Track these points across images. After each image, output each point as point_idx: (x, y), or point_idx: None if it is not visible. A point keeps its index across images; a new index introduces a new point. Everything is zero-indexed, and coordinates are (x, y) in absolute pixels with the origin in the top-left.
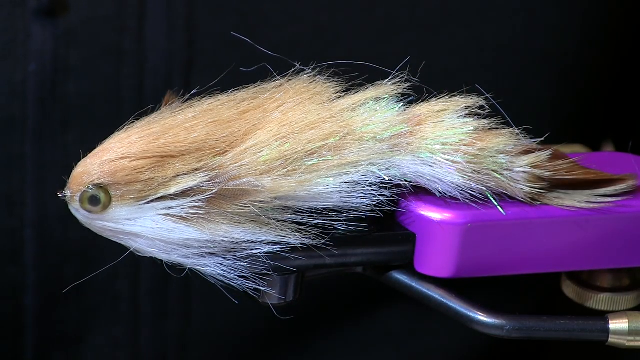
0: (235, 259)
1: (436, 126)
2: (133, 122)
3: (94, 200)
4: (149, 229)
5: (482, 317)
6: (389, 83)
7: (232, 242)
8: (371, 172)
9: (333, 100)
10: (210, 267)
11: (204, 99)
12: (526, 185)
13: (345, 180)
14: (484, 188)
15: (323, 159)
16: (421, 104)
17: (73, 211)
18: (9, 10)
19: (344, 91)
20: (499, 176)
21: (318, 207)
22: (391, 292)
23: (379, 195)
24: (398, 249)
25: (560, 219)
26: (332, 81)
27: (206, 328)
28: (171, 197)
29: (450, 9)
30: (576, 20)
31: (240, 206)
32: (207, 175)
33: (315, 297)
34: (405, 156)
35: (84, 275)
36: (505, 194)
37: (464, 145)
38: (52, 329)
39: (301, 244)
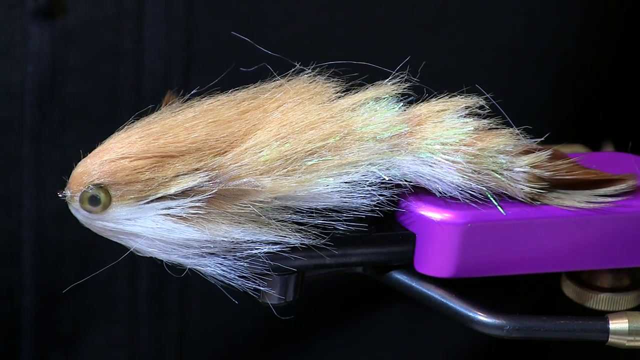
0: (235, 259)
1: (436, 126)
2: (133, 122)
3: (94, 200)
4: (149, 229)
5: (482, 317)
6: (389, 83)
7: (232, 242)
8: (371, 172)
9: (333, 100)
10: (210, 267)
11: (204, 99)
12: (526, 185)
13: (345, 180)
14: (484, 188)
15: (323, 159)
16: (421, 104)
17: (73, 211)
18: (7, 11)
19: (344, 91)
20: (499, 176)
21: (318, 207)
22: (391, 292)
23: (379, 195)
24: (398, 249)
25: (560, 219)
26: (332, 81)
27: (204, 328)
28: (171, 197)
29: (450, 9)
30: (576, 20)
31: (240, 206)
32: (207, 175)
33: (315, 297)
34: (405, 156)
35: (82, 276)
36: (505, 194)
37: (464, 145)
38: (49, 330)
39: (301, 244)
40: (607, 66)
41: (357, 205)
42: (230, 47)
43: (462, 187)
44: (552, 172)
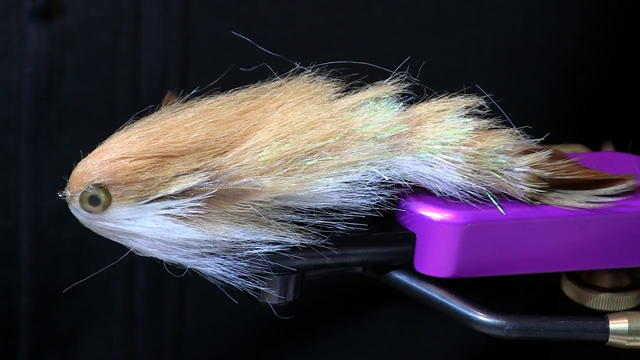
0: (235, 259)
1: (436, 126)
2: (131, 122)
3: (94, 200)
4: (149, 229)
5: (482, 317)
6: (389, 83)
7: (232, 242)
8: (371, 172)
9: (333, 100)
10: (210, 267)
11: (203, 99)
12: (526, 185)
13: (345, 180)
14: (484, 188)
15: (323, 159)
16: (421, 104)
17: (73, 211)
18: (4, 12)
19: (344, 91)
20: (499, 176)
21: (318, 207)
22: (391, 292)
23: (379, 195)
24: (398, 249)
25: (560, 219)
26: (332, 81)
27: (201, 329)
28: (171, 197)
29: (450, 9)
30: (576, 20)
31: (240, 206)
32: (207, 175)
33: (315, 297)
34: (405, 156)
35: (79, 276)
36: (505, 194)
37: (464, 145)
38: (47, 330)
39: (301, 244)
40: (607, 66)
41: (357, 205)
42: (228, 48)
43: (462, 187)
44: (552, 172)
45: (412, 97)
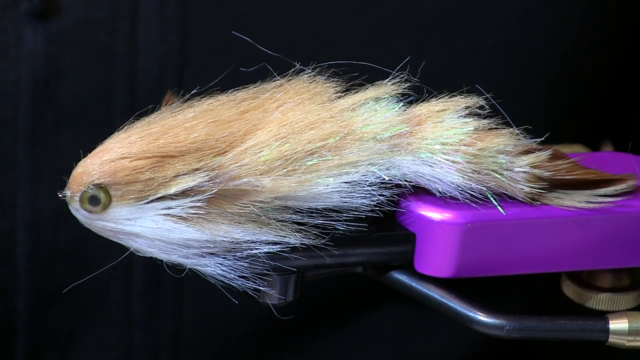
0: (235, 259)
1: (436, 126)
2: (127, 123)
3: (94, 200)
4: (149, 229)
5: (482, 317)
6: (389, 83)
7: (232, 242)
8: (371, 172)
9: (333, 100)
10: (210, 267)
11: (204, 99)
12: (526, 185)
13: (345, 180)
14: (484, 188)
15: (323, 159)
16: (421, 104)
17: (73, 211)
18: (1, 12)
19: (344, 91)
20: (499, 176)
21: (318, 207)
22: (390, 292)
23: (379, 195)
24: (398, 249)
25: (560, 219)
26: (332, 81)
27: (198, 330)
28: (171, 197)
29: (450, 10)
30: (575, 20)
31: (240, 206)
32: (207, 175)
33: (313, 298)
34: (405, 156)
35: (76, 276)
36: (505, 194)
37: (464, 145)
38: (44, 331)
39: (301, 244)
40: (607, 66)
41: (357, 205)
42: (226, 49)
43: (462, 187)
44: (552, 172)
45: (412, 97)
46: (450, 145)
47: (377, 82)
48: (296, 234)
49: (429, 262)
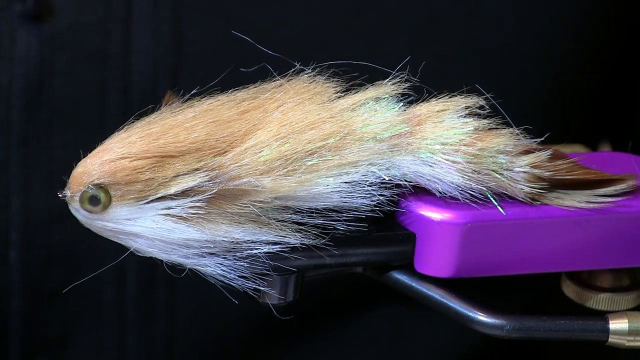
0: (235, 259)
1: (436, 126)
2: (127, 123)
3: (94, 200)
4: (149, 229)
5: (482, 317)
6: (389, 83)
7: (232, 242)
8: (371, 172)
9: (333, 100)
10: (210, 267)
11: (203, 99)
12: (526, 185)
13: (345, 180)
14: (484, 188)
15: (323, 159)
16: (421, 104)
17: (73, 211)
18: None
19: (344, 91)
20: (499, 176)
21: (318, 207)
22: (389, 292)
23: (379, 195)
24: (398, 249)
25: (560, 219)
26: (332, 81)
27: (191, 333)
28: (171, 197)
29: (450, 10)
30: (575, 20)
31: (240, 206)
32: (207, 175)
33: (309, 299)
34: (405, 156)
35: (69, 278)
36: (505, 194)
37: (464, 145)
38: (37, 332)
39: (301, 244)
40: (607, 66)
41: (357, 205)
42: (219, 50)
43: (462, 187)
44: (552, 172)
45: (412, 97)
46: (450, 145)
47: (377, 82)
48: (296, 234)
49: (429, 262)
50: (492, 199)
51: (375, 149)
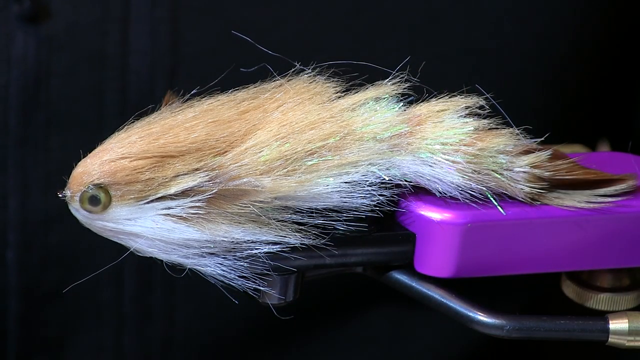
0: (235, 259)
1: (436, 126)
2: (127, 123)
3: (94, 200)
4: (149, 229)
5: (482, 317)
6: (389, 83)
7: (232, 242)
8: (371, 172)
9: (333, 100)
10: (210, 267)
11: (203, 99)
12: (526, 185)
13: (345, 180)
14: (484, 188)
15: (323, 159)
16: (421, 104)
17: (73, 211)
18: None
19: (344, 91)
20: (499, 176)
21: (318, 207)
22: (389, 292)
23: (379, 195)
24: (398, 249)
25: (560, 219)
26: (332, 81)
27: (189, 333)
28: (171, 197)
29: (450, 10)
30: (574, 20)
31: (240, 206)
32: (207, 175)
33: (309, 298)
34: (405, 156)
35: (67, 279)
36: (505, 194)
37: (464, 145)
38: (35, 333)
39: (301, 244)
40: (606, 66)
41: (357, 205)
42: (217, 50)
43: (462, 187)
44: (552, 172)
45: (412, 97)
46: (450, 145)
47: (377, 82)
48: (296, 234)
49: (429, 262)
50: (492, 199)
51: (375, 149)
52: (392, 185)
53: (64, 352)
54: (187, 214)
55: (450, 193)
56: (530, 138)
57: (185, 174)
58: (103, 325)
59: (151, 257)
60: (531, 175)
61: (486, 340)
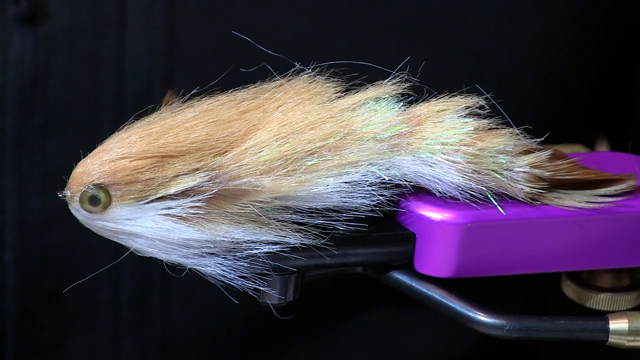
0: (235, 259)
1: (436, 126)
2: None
3: (94, 200)
4: (149, 229)
5: (482, 317)
6: (389, 83)
7: (232, 242)
8: (371, 172)
9: (333, 100)
10: (210, 267)
11: (203, 99)
12: (526, 185)
13: (345, 180)
14: (484, 188)
15: (323, 159)
16: (421, 104)
17: (73, 211)
18: None
19: (344, 91)
20: (499, 176)
21: (318, 207)
22: (388, 292)
23: (379, 195)
24: (398, 249)
25: (560, 219)
26: (332, 81)
27: (186, 335)
28: (171, 197)
29: (450, 10)
30: (574, 20)
31: (240, 206)
32: (207, 175)
33: (309, 298)
34: (405, 156)
35: (65, 281)
36: (505, 194)
37: (464, 145)
38: (32, 335)
39: (301, 244)
40: (605, 66)
41: (357, 205)
42: (213, 53)
43: (462, 187)
44: (552, 172)
45: (412, 97)
46: (450, 145)
47: (377, 82)
48: (296, 234)
49: (429, 262)
50: (492, 199)
51: (375, 149)
52: (392, 185)
53: (61, 354)
54: (187, 214)
55: (450, 193)
56: (530, 138)
57: (185, 174)
58: (100, 327)
59: (150, 258)
60: (531, 175)
61: (486, 340)
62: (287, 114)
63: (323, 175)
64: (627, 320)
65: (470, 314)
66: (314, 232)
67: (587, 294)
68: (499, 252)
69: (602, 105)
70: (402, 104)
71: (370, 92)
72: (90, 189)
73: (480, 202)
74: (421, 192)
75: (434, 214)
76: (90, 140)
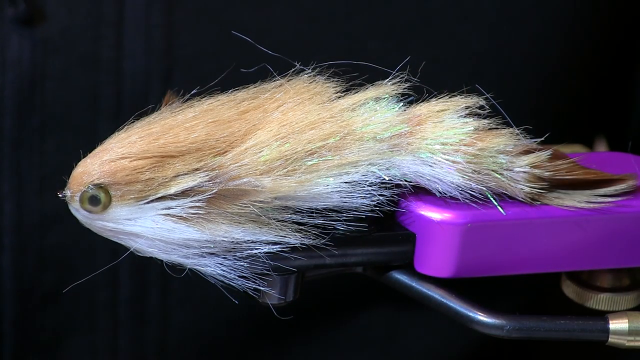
0: (235, 259)
1: (436, 126)
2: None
3: (94, 200)
4: (149, 229)
5: (482, 317)
6: (389, 83)
7: (232, 242)
8: (371, 172)
9: (333, 100)
10: (210, 267)
11: (204, 99)
12: (526, 185)
13: (345, 180)
14: (484, 188)
15: (323, 159)
16: (421, 104)
17: (73, 211)
18: None
19: (344, 91)
20: (499, 176)
21: (318, 207)
22: (388, 292)
23: (379, 195)
24: (398, 249)
25: (560, 219)
26: (332, 81)
27: (184, 336)
28: (171, 197)
29: (450, 10)
30: (572, 20)
31: (240, 206)
32: (207, 175)
33: (309, 298)
34: (405, 156)
35: (62, 282)
36: (505, 194)
37: (464, 145)
38: (30, 336)
39: (301, 244)
40: (604, 66)
41: (357, 205)
42: (211, 53)
43: (462, 187)
44: (552, 172)
45: (412, 97)
46: (450, 145)
47: (377, 82)
48: (296, 234)
49: (429, 262)
50: (492, 199)
51: (375, 149)
52: (392, 185)
53: (59, 355)
54: (187, 214)
55: (450, 193)
56: (530, 138)
57: (185, 174)
58: (98, 328)
59: (148, 258)
60: (531, 175)
61: (486, 340)
62: (287, 114)
63: (323, 175)
64: (627, 320)
65: (470, 314)
66: (314, 232)
67: (587, 294)
68: (499, 252)
69: (602, 105)
70: (402, 104)
71: (370, 92)
72: (91, 189)
73: (480, 202)
74: (421, 192)
75: (434, 214)
76: (88, 142)
